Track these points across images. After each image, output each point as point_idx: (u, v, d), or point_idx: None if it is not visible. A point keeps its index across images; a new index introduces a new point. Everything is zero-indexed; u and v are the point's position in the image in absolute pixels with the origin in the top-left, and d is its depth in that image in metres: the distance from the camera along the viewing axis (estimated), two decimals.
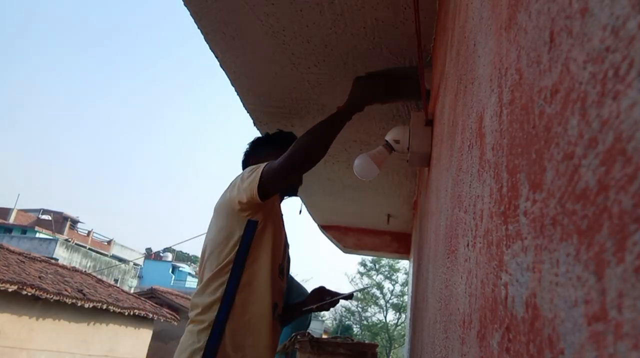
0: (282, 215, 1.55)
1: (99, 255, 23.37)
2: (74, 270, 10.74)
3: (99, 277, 12.07)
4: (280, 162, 1.37)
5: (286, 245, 1.56)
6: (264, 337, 1.34)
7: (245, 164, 1.73)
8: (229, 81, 2.07)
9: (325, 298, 1.62)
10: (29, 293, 7.55)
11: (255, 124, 2.46)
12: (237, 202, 1.39)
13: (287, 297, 1.64)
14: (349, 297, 1.68)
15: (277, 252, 1.45)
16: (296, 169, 1.39)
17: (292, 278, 2.18)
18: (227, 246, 1.37)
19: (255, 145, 1.78)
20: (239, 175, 1.48)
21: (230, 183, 1.48)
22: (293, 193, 1.68)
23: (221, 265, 1.36)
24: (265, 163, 1.41)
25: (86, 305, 8.76)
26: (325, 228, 4.24)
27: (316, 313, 1.77)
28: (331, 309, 1.70)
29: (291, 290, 2.15)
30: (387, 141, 1.86)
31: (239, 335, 1.30)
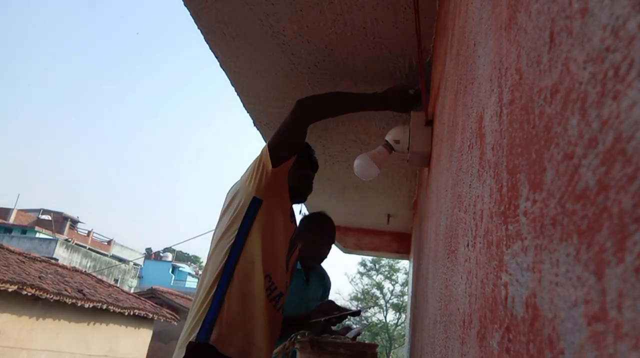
0: (292, 213, 1.58)
1: (99, 255, 23.37)
2: (74, 270, 10.74)
3: (99, 277, 12.07)
4: (291, 112, 1.47)
5: (295, 243, 1.58)
6: (257, 316, 1.36)
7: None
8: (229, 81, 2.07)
9: (332, 313, 1.62)
10: (29, 293, 7.55)
11: (255, 124, 2.46)
12: (248, 177, 1.45)
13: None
14: (356, 313, 1.69)
15: (280, 239, 1.47)
16: (302, 114, 1.47)
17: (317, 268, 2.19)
18: (232, 223, 1.42)
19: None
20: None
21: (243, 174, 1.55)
22: (302, 199, 1.68)
23: (223, 239, 1.41)
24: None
25: (86, 305, 8.75)
26: None
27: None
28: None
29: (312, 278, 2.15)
30: (387, 141, 1.85)
31: (235, 311, 1.33)
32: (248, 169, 1.49)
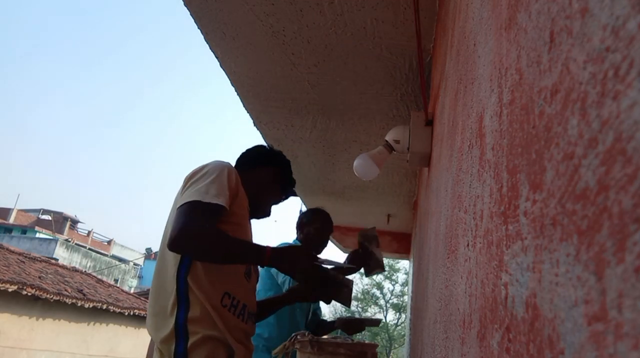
0: (248, 215, 1.44)
1: (99, 255, 23.39)
2: (74, 270, 10.75)
3: (99, 277, 12.08)
4: (177, 229, 1.20)
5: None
6: (228, 337, 1.25)
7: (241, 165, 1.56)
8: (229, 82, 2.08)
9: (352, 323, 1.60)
10: (29, 293, 7.55)
11: (255, 124, 2.46)
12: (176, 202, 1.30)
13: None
14: (375, 323, 1.68)
15: None
16: (181, 246, 1.22)
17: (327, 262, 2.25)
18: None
19: (247, 157, 1.59)
20: (191, 173, 1.35)
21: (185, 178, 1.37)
22: (258, 217, 1.54)
23: (169, 267, 1.27)
24: (192, 199, 1.24)
25: (86, 305, 8.76)
26: None
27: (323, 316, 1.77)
28: (331, 309, 1.69)
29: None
30: (387, 141, 1.86)
31: (203, 328, 1.22)
32: (181, 190, 1.33)
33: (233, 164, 1.48)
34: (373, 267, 2.05)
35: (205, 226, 1.23)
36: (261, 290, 2.02)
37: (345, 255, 2.19)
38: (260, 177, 1.50)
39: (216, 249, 1.25)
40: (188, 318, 1.23)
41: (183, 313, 1.24)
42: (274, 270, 2.12)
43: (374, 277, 27.19)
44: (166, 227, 1.36)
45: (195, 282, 1.26)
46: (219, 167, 1.32)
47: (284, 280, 2.07)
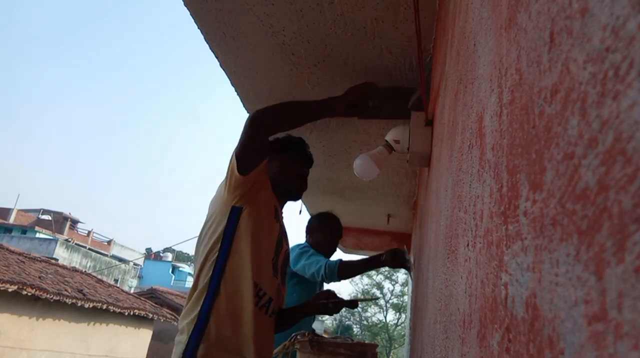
0: (277, 212, 1.53)
1: (99, 255, 23.37)
2: (74, 270, 10.74)
3: (99, 277, 12.07)
4: (247, 121, 1.39)
5: (281, 244, 1.54)
6: (245, 328, 1.33)
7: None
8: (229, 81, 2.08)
9: (329, 300, 1.62)
10: (29, 293, 7.55)
11: None
12: (224, 187, 1.41)
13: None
14: (352, 303, 1.69)
15: (265, 244, 1.44)
16: (258, 126, 1.39)
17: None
18: (213, 236, 1.38)
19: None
20: None
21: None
22: (297, 197, 1.66)
23: (207, 254, 1.37)
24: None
25: (86, 305, 8.75)
26: None
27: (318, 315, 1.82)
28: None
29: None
30: (387, 141, 1.86)
31: (222, 326, 1.30)
32: (224, 178, 1.45)
33: None
34: (407, 268, 2.12)
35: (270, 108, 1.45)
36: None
37: (345, 255, 2.21)
38: (278, 165, 1.58)
39: (290, 110, 1.49)
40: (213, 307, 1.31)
41: (209, 303, 1.31)
42: (299, 268, 2.14)
43: (374, 276, 27.18)
44: (204, 226, 1.46)
45: (227, 273, 1.35)
46: None
47: (318, 269, 2.08)
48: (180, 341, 1.30)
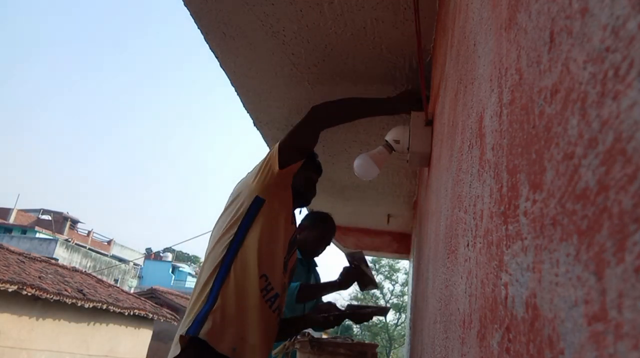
0: (293, 215, 1.58)
1: (99, 255, 23.36)
2: (74, 270, 10.74)
3: (99, 277, 12.07)
4: (304, 117, 1.49)
5: (293, 245, 1.58)
6: (250, 312, 1.35)
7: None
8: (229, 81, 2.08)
9: (330, 312, 1.64)
10: (29, 293, 7.55)
11: (255, 124, 2.46)
12: (255, 174, 1.45)
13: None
14: (355, 317, 1.71)
15: (281, 241, 1.47)
16: (320, 118, 1.50)
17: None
18: (233, 218, 1.42)
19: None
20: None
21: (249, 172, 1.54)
22: (305, 202, 1.69)
23: (224, 236, 1.40)
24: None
25: (86, 305, 8.75)
26: None
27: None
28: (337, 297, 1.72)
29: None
30: (387, 141, 1.86)
31: (227, 309, 1.33)
32: (256, 166, 1.49)
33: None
34: (366, 283, 2.11)
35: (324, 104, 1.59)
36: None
37: (350, 251, 2.20)
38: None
39: (346, 113, 1.61)
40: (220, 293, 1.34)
41: (219, 284, 1.35)
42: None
43: (374, 276, 27.13)
44: (218, 221, 1.50)
45: (239, 259, 1.38)
46: None
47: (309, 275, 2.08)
48: (186, 320, 1.32)
